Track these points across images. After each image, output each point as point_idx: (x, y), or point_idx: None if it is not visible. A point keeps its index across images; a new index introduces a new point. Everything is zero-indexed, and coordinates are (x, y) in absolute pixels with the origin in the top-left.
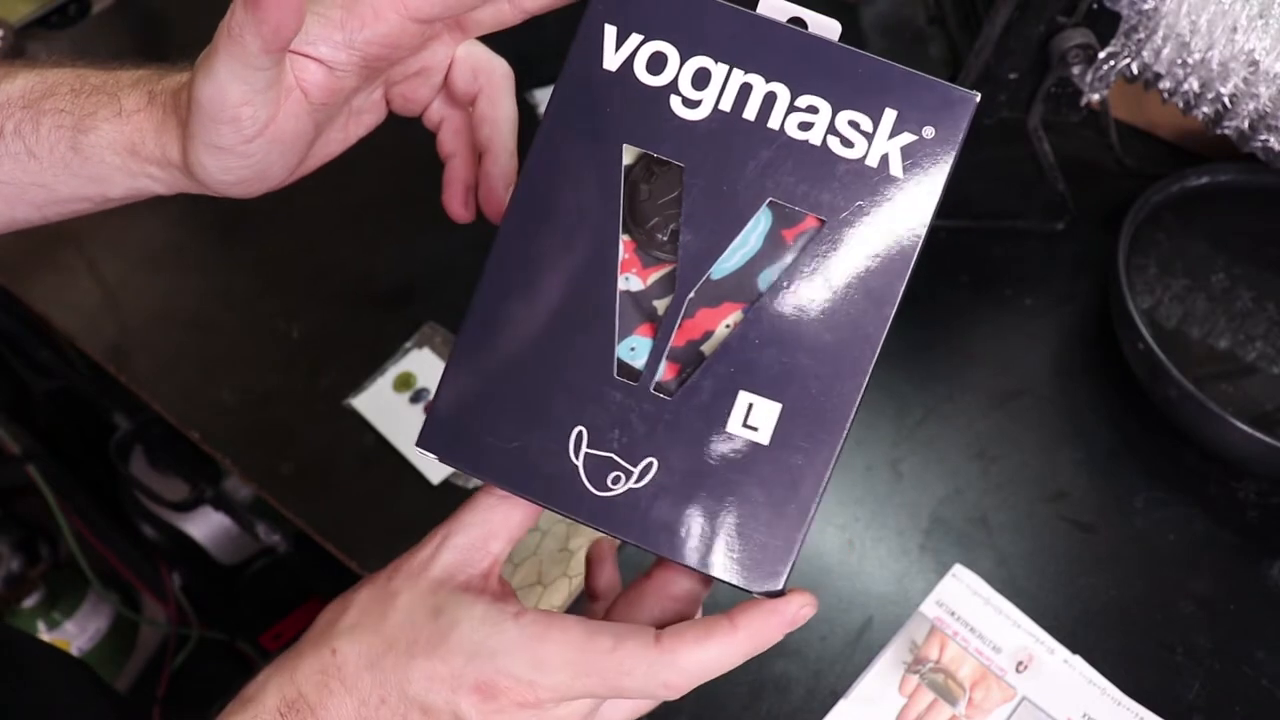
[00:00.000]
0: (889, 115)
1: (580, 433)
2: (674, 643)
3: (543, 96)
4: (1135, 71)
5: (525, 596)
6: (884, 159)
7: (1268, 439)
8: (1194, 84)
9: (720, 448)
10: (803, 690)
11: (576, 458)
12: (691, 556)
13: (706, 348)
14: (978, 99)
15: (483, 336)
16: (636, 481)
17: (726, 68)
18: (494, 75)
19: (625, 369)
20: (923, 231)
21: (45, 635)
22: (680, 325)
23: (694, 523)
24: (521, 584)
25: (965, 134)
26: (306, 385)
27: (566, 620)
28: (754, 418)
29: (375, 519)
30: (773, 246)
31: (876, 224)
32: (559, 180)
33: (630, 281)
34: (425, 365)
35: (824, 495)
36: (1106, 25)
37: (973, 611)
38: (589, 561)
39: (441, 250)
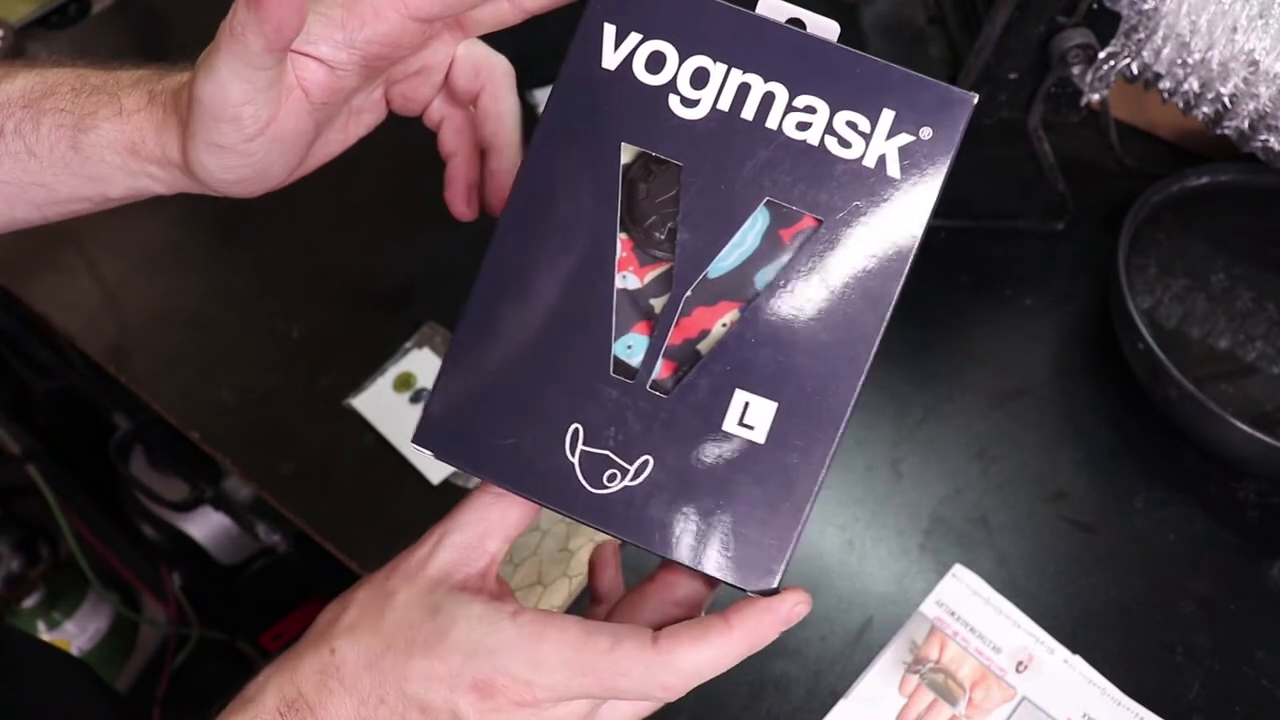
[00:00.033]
0: (887, 116)
1: (576, 430)
2: (671, 644)
3: (542, 96)
4: (1135, 71)
5: (525, 596)
6: (881, 160)
7: (1268, 439)
8: (1194, 84)
9: (716, 446)
10: (803, 690)
11: (572, 455)
12: (686, 554)
13: (703, 346)
14: (975, 100)
15: (479, 333)
16: (632, 479)
17: (725, 67)
18: (495, 73)
19: (622, 367)
20: (919, 232)
21: (45, 635)
22: (677, 323)
23: (689, 520)
24: (522, 584)
25: (962, 135)
26: (306, 385)
27: (565, 620)
28: (750, 416)
29: (375, 519)
30: (770, 246)
31: (874, 224)
32: (557, 178)
33: (627, 279)
34: (425, 365)
35: (819, 494)
36: (1106, 25)
37: (973, 611)
38: (592, 565)
39: (441, 250)
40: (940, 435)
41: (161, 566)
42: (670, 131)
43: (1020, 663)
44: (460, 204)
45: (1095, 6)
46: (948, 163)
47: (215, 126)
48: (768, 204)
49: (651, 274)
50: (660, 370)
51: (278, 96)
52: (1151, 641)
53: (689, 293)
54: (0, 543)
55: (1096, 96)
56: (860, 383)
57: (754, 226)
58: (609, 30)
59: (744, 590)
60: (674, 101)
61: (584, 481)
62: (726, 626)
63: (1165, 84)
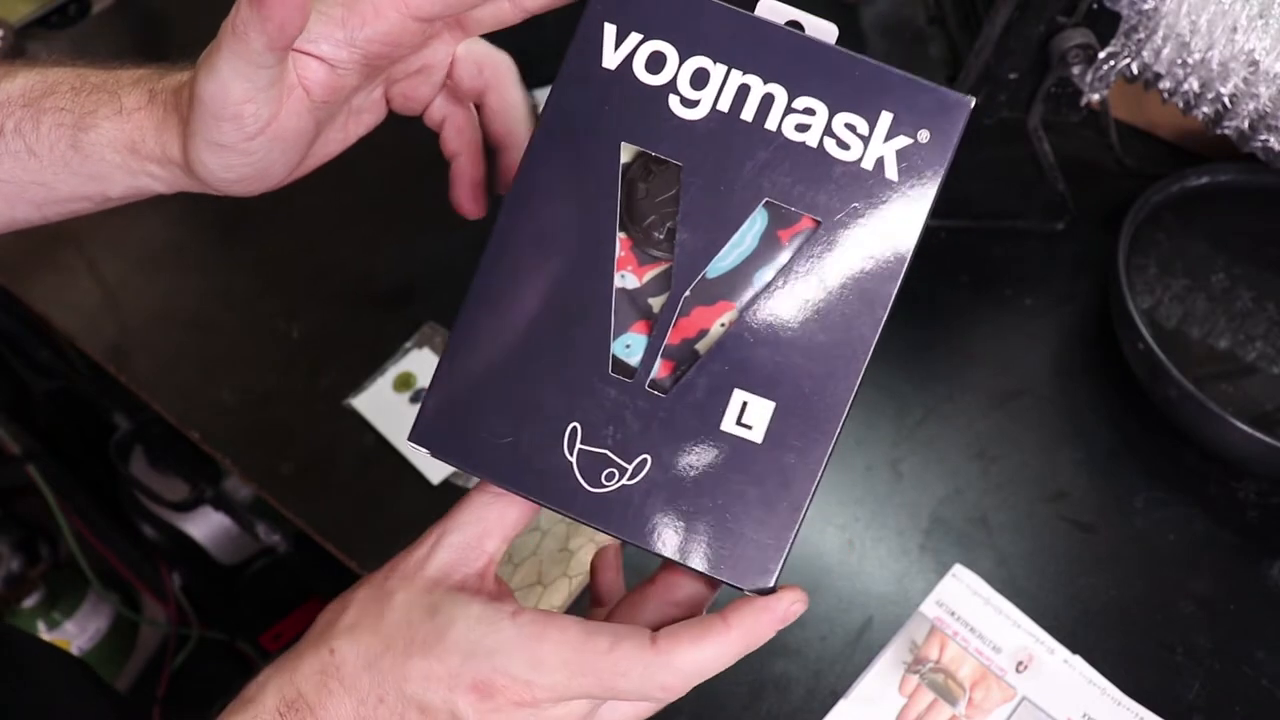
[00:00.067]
0: (885, 118)
1: (574, 429)
2: (670, 644)
3: (542, 96)
4: (1135, 71)
5: (525, 596)
6: (879, 162)
7: (1268, 439)
8: (1194, 84)
9: (714, 446)
10: (803, 690)
11: (570, 454)
12: (683, 552)
13: (701, 346)
14: (972, 104)
15: (477, 331)
16: (630, 478)
17: (725, 68)
18: (499, 68)
19: (620, 366)
20: (917, 234)
21: (45, 635)
22: (675, 323)
23: (686, 519)
24: (522, 584)
25: (960, 138)
26: (306, 385)
27: (564, 620)
28: (748, 416)
29: (375, 519)
30: (768, 246)
31: (871, 226)
32: (557, 177)
33: (626, 279)
34: (425, 365)
35: (816, 494)
36: (1106, 25)
37: (973, 611)
38: (593, 567)
39: (441, 250)
40: (940, 435)
41: (161, 566)
42: (670, 131)
43: (1020, 663)
44: (468, 202)
45: (1095, 6)
46: (945, 166)
47: (216, 125)
48: (766, 205)
49: (650, 273)
50: (659, 369)
51: (279, 95)
52: (1151, 641)
53: (688, 292)
54: (0, 543)
55: (1096, 96)
56: (857, 383)
57: (753, 227)
58: (609, 30)
59: (741, 589)
60: (674, 102)
61: (582, 480)
62: (725, 625)
63: (1165, 84)
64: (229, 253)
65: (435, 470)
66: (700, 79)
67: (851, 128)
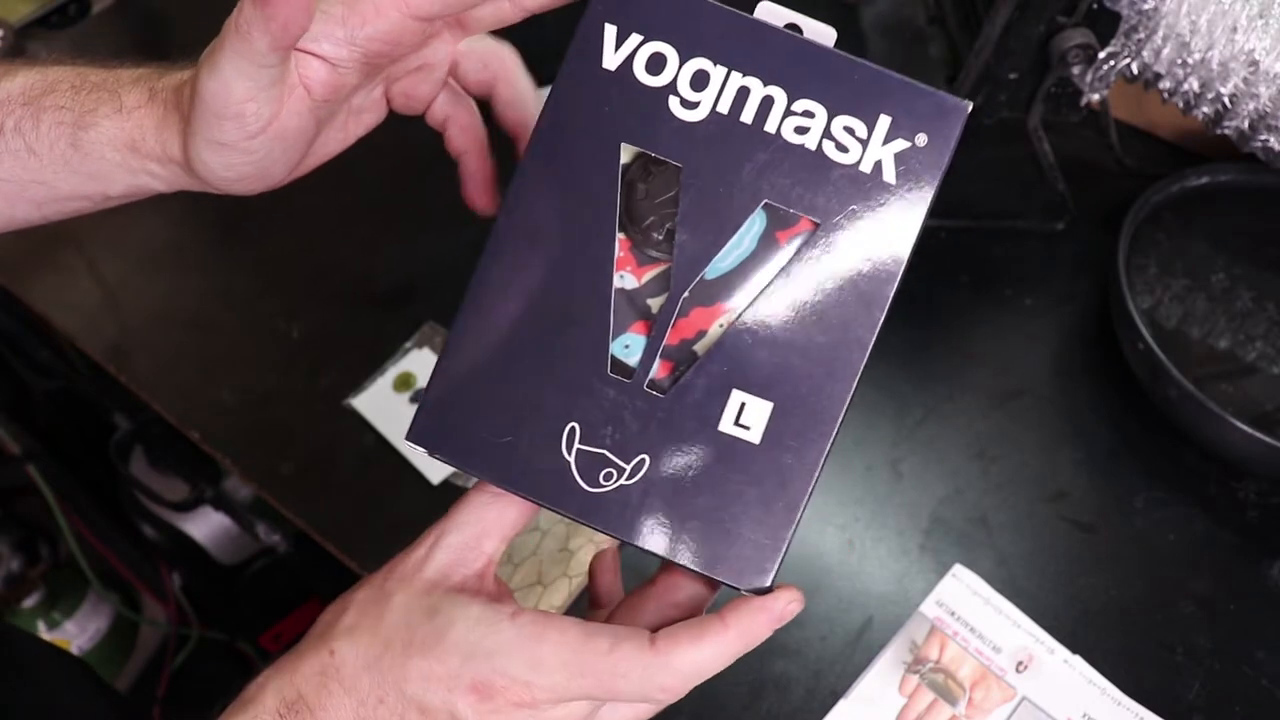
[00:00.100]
0: (883, 122)
1: (573, 429)
2: (669, 645)
3: (542, 96)
4: (1135, 71)
5: (525, 597)
6: (877, 165)
7: (1268, 439)
8: (1194, 84)
9: (712, 446)
10: (803, 690)
11: (569, 454)
12: (681, 552)
13: (700, 347)
14: (970, 108)
15: (476, 331)
16: (628, 478)
17: (725, 70)
18: (504, 59)
19: (619, 366)
20: (914, 237)
21: (45, 635)
22: (674, 324)
23: (684, 519)
24: (521, 584)
25: (957, 142)
26: (306, 385)
27: (564, 621)
28: (746, 417)
29: (375, 519)
30: (767, 248)
31: (869, 229)
32: (556, 177)
33: (625, 279)
34: (425, 365)
35: (814, 494)
36: (1106, 25)
37: (973, 611)
38: (592, 569)
39: (441, 250)
40: (940, 435)
41: (161, 566)
42: (670, 133)
43: (1020, 663)
44: (480, 198)
45: (1095, 6)
46: (942, 169)
47: (217, 123)
48: (765, 206)
49: (649, 274)
50: (657, 370)
51: (280, 94)
52: (1151, 641)
53: (686, 293)
54: (0, 543)
55: (1096, 96)
56: (854, 384)
57: (751, 228)
58: (610, 31)
59: (738, 589)
60: (674, 103)
61: (580, 480)
62: (722, 625)
63: (1165, 84)
64: (229, 253)
65: (435, 470)
66: (700, 81)
67: (850, 131)
